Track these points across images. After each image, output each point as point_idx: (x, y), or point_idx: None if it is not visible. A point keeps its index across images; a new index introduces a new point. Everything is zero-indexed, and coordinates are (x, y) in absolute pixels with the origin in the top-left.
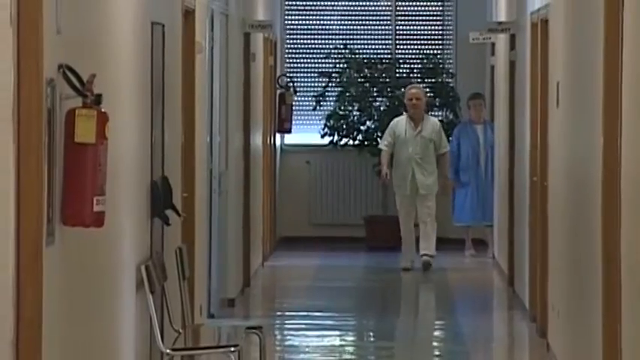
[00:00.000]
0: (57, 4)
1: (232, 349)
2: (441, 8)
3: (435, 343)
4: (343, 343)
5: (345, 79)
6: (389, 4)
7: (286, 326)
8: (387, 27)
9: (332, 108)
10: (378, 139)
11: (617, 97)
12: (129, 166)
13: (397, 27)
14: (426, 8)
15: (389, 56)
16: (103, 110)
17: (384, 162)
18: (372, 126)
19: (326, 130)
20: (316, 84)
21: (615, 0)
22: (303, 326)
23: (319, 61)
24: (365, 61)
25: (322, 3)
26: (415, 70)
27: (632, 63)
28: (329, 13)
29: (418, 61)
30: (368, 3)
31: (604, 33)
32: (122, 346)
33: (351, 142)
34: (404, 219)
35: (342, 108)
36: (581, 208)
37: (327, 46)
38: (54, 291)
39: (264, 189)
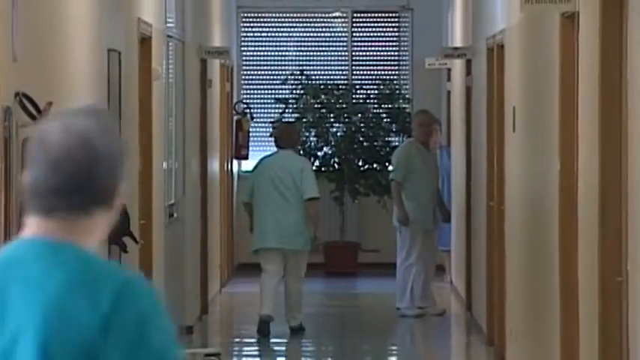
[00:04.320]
0: (13, 31)
1: None
2: (397, 33)
3: None
4: None
5: (301, 105)
6: (345, 30)
7: (244, 353)
8: (343, 53)
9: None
10: (335, 164)
11: (573, 122)
12: None
13: (353, 53)
14: (382, 34)
15: (345, 82)
16: None
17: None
18: (329, 152)
19: None
20: (273, 110)
21: (570, 25)
22: (262, 353)
23: (276, 87)
24: (321, 87)
25: (278, 29)
26: (372, 96)
27: (588, 87)
28: (285, 39)
29: (374, 86)
30: (324, 29)
31: (559, 58)
32: None
33: None
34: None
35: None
36: (538, 233)
37: (284, 73)
38: None
39: (222, 215)
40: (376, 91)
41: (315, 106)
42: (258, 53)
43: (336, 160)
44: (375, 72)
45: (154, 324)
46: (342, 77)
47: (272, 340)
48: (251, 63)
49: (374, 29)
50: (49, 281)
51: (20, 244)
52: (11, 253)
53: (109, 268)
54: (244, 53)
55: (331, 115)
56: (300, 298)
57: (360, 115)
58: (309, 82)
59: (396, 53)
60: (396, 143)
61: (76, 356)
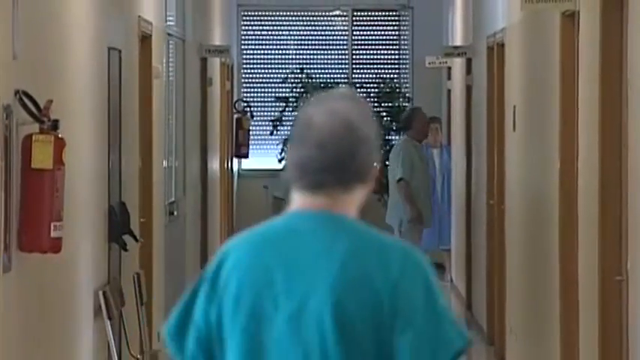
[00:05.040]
0: (13, 29)
1: None
2: (397, 32)
3: None
4: None
5: (301, 104)
6: (345, 28)
7: None
8: (343, 51)
9: (289, 133)
10: None
11: (574, 121)
12: (86, 191)
13: (354, 51)
14: (383, 32)
15: (346, 80)
16: (60, 136)
17: None
18: None
19: (283, 154)
20: (273, 109)
21: (570, 24)
22: None
23: (276, 85)
24: (322, 85)
25: (279, 28)
26: (372, 95)
27: (588, 86)
28: (286, 37)
29: (375, 85)
30: (324, 27)
31: (560, 57)
32: None
33: None
34: None
35: None
36: (538, 231)
37: (284, 71)
38: (11, 317)
39: (222, 214)
40: (376, 90)
41: None
42: (259, 52)
43: None
44: (375, 70)
45: (436, 291)
46: (343, 76)
47: None
48: (251, 61)
49: (374, 28)
50: (335, 248)
51: (292, 217)
52: (285, 226)
53: (385, 236)
54: (244, 52)
55: None
56: None
57: None
58: (310, 80)
59: (397, 52)
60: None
61: (368, 315)
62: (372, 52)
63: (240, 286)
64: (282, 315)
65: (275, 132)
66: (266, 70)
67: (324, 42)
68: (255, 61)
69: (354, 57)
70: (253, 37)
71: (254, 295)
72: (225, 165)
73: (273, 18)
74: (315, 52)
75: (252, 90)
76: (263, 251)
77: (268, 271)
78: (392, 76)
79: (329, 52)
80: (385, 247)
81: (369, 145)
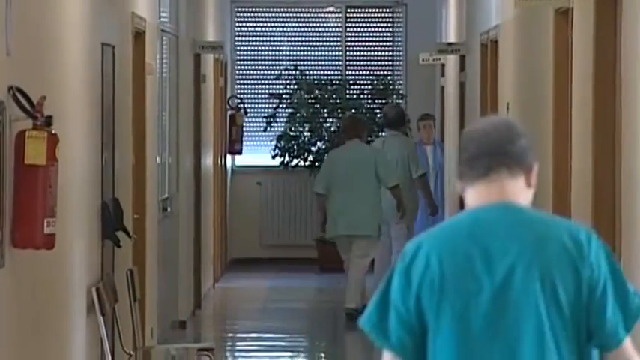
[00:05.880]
0: (7, 25)
1: None
2: (390, 29)
3: None
4: None
5: (295, 101)
6: (339, 25)
7: (238, 348)
8: (337, 48)
9: (282, 129)
10: None
11: (567, 118)
12: (79, 187)
13: (347, 48)
14: (376, 29)
15: (339, 77)
16: (53, 132)
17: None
18: (323, 147)
19: (277, 151)
20: (267, 105)
21: (564, 21)
22: (255, 348)
23: (270, 82)
24: (315, 82)
25: (272, 25)
26: (365, 91)
27: (582, 83)
28: (279, 34)
29: (368, 82)
30: (318, 24)
31: (553, 54)
32: None
33: (302, 163)
34: None
35: (293, 129)
36: None
37: (278, 68)
38: (3, 313)
39: (215, 210)
40: (370, 87)
41: (309, 101)
42: (252, 48)
43: None
44: (369, 67)
45: (616, 261)
46: (336, 72)
47: (265, 335)
48: (245, 58)
49: (368, 24)
50: (525, 231)
51: (475, 211)
52: (471, 218)
53: (560, 218)
54: (238, 48)
55: (325, 111)
56: (360, 284)
57: (353, 110)
58: (303, 77)
59: (390, 49)
60: None
61: (569, 286)
62: (365, 48)
63: (441, 274)
64: (487, 294)
65: (269, 128)
66: (260, 67)
67: (317, 39)
68: (248, 58)
69: (347, 54)
70: (247, 34)
71: (457, 280)
72: (219, 161)
73: (266, 14)
74: (308, 48)
75: (245, 86)
76: (457, 240)
77: (467, 257)
78: (385, 72)
79: (323, 48)
80: (569, 226)
81: (526, 144)
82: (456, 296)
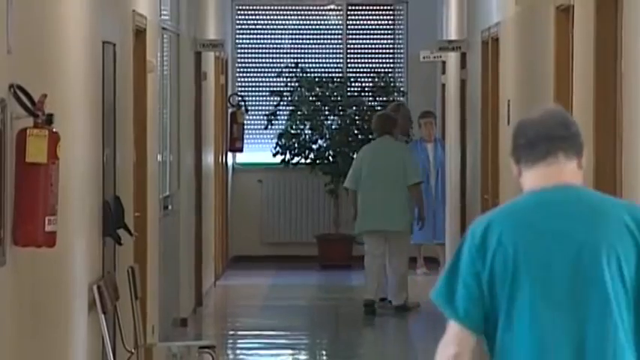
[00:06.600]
0: (7, 23)
1: None
2: (391, 26)
3: None
4: None
5: (296, 98)
6: (340, 22)
7: (239, 345)
8: (338, 45)
9: (283, 127)
10: (330, 157)
11: None
12: (81, 185)
13: (348, 45)
14: (377, 26)
15: (340, 75)
16: (54, 130)
17: None
18: (324, 144)
19: (278, 148)
20: (268, 103)
21: (565, 18)
22: (256, 345)
23: (270, 79)
24: (316, 79)
25: (273, 22)
26: (366, 89)
27: (583, 80)
28: (280, 31)
29: (369, 79)
30: (319, 21)
31: (554, 51)
32: None
33: (303, 160)
34: None
35: (294, 127)
36: None
37: (279, 65)
38: (5, 311)
39: (216, 208)
40: (371, 84)
41: (310, 98)
42: (253, 45)
43: (331, 152)
44: (370, 65)
45: None
46: (337, 70)
47: (266, 333)
48: (246, 55)
49: (369, 22)
50: (586, 208)
51: (536, 192)
52: (534, 199)
53: (613, 197)
54: (239, 46)
55: (326, 108)
56: (404, 279)
57: (354, 107)
58: (304, 74)
59: (391, 46)
60: None
61: (630, 254)
62: (366, 46)
63: (515, 250)
64: (560, 267)
65: (270, 126)
66: (260, 64)
67: (318, 36)
68: (249, 55)
69: (348, 51)
70: (248, 31)
71: (531, 255)
72: (220, 159)
73: (267, 12)
74: (309, 46)
75: (246, 84)
76: (527, 219)
77: (538, 234)
78: (386, 70)
79: (324, 46)
80: (629, 205)
81: (579, 129)
82: (532, 270)
